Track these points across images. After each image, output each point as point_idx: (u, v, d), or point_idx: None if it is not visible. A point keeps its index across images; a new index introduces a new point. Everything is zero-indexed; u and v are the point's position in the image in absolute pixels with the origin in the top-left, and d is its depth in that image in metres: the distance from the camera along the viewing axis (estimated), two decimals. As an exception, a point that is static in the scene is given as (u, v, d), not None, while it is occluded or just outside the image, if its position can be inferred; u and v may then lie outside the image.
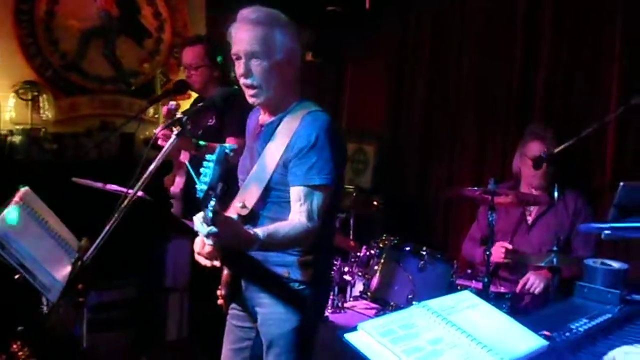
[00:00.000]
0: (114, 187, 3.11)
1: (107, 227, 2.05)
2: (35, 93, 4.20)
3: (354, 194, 4.26)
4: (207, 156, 1.68)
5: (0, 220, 2.17)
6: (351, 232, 4.09)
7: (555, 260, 2.98)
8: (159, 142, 2.51)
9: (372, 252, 3.59)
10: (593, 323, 1.57)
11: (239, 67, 2.06)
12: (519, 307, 3.13)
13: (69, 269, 2.12)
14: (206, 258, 1.94)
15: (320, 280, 2.18)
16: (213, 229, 1.67)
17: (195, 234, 1.87)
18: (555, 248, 3.01)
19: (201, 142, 2.82)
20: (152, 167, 2.10)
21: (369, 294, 3.46)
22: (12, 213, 2.20)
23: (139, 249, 3.87)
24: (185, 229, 2.94)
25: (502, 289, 3.26)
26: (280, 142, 2.05)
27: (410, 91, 4.77)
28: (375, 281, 3.44)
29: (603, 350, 1.38)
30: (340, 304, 3.46)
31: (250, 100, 2.10)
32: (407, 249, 3.48)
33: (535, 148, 3.35)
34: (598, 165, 3.59)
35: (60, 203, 2.44)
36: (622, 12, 3.47)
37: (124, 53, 4.62)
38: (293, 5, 2.48)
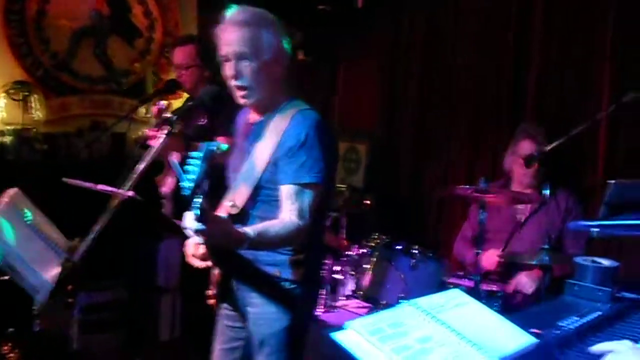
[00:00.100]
0: (105, 187, 3.09)
1: (97, 228, 2.04)
2: (26, 93, 4.20)
3: (346, 193, 4.26)
4: (192, 153, 1.67)
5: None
6: (343, 231, 4.09)
7: (546, 258, 2.98)
8: (149, 142, 2.50)
9: (364, 251, 3.59)
10: (583, 320, 1.57)
11: (228, 69, 2.05)
12: (511, 306, 3.13)
13: (58, 270, 2.11)
14: (200, 260, 1.94)
15: (311, 280, 2.18)
16: (201, 225, 1.66)
17: (186, 235, 1.86)
18: (546, 246, 3.02)
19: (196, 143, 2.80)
20: (141, 166, 2.09)
21: (360, 292, 3.46)
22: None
23: (130, 250, 3.85)
24: (176, 229, 2.92)
25: (493, 288, 3.27)
26: (270, 141, 2.05)
27: (403, 90, 4.77)
28: (366, 280, 3.44)
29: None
30: (331, 303, 3.46)
31: (241, 101, 2.10)
32: (399, 247, 3.48)
33: (526, 147, 3.36)
34: (590, 164, 3.59)
35: (51, 203, 2.43)
36: (613, 10, 3.47)
37: (115, 52, 4.61)
38: (284, 4, 2.48)
